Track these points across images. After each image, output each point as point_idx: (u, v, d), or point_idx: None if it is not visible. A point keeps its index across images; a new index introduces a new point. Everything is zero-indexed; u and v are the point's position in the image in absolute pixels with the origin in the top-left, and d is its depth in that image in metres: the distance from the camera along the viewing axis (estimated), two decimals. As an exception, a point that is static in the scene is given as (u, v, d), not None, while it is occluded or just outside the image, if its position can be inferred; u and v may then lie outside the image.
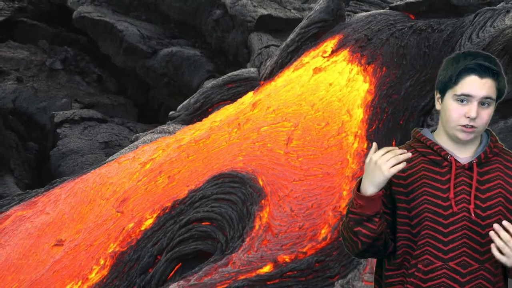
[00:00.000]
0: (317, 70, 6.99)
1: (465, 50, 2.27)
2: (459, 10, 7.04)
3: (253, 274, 4.75)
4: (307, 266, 4.75)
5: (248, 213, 5.34)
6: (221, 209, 5.43)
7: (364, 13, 7.77)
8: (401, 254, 2.28)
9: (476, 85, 2.19)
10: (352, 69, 6.78)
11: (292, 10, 11.99)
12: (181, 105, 8.10)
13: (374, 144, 2.17)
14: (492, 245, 2.09)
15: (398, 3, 7.86)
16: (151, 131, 7.88)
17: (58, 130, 10.49)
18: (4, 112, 10.69)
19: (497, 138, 2.35)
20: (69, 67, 13.56)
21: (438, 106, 2.31)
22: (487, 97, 2.19)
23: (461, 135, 2.22)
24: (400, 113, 6.24)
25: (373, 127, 6.13)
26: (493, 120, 5.79)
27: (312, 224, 5.21)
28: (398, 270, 2.30)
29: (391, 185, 2.27)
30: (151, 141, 7.13)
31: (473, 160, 2.25)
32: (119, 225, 5.70)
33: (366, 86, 6.53)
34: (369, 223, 2.20)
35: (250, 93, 7.41)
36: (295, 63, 7.34)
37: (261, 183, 5.56)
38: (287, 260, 4.87)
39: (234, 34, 12.01)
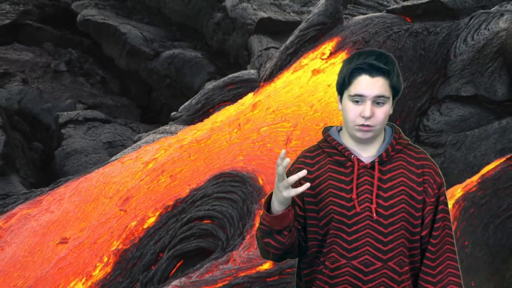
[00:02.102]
0: (315, 71, 6.98)
1: (361, 50, 2.24)
2: (455, 13, 7.04)
3: (253, 271, 4.75)
4: (306, 263, 4.75)
5: (249, 211, 5.33)
6: (222, 207, 5.43)
7: (362, 16, 7.76)
8: (312, 253, 2.27)
9: (367, 85, 2.15)
10: (350, 71, 6.77)
11: (291, 13, 11.99)
12: (182, 106, 8.09)
13: (283, 152, 2.10)
14: None
15: (394, 6, 7.86)
16: (153, 131, 7.88)
17: (63, 131, 10.48)
18: (10, 112, 10.69)
19: (402, 134, 2.31)
20: (73, 69, 13.55)
21: (339, 107, 2.28)
22: (379, 96, 2.16)
23: (359, 134, 2.19)
24: (396, 114, 6.24)
25: (371, 128, 6.11)
26: (487, 121, 5.79)
27: (311, 222, 5.20)
28: (310, 267, 2.30)
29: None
30: (153, 141, 7.13)
31: (375, 160, 2.21)
32: (122, 223, 5.70)
33: (363, 87, 6.52)
34: (278, 236, 2.18)
35: (250, 94, 7.41)
36: (294, 65, 7.34)
37: (261, 182, 5.55)
38: (286, 257, 4.86)
39: (234, 37, 12.01)
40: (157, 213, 5.65)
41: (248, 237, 5.10)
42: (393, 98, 2.23)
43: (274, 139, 6.13)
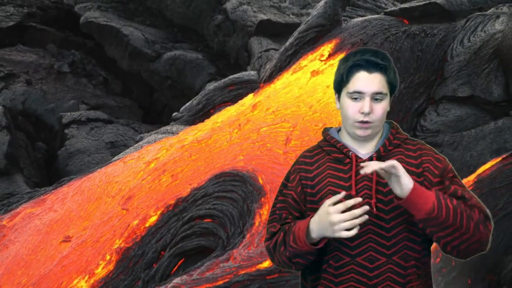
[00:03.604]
0: (314, 73, 6.98)
1: (356, 49, 2.23)
2: (451, 15, 7.04)
3: (253, 269, 4.74)
4: (305, 261, 4.74)
5: (249, 210, 5.33)
6: (222, 206, 5.43)
7: (360, 18, 7.76)
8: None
9: (366, 81, 2.14)
10: (348, 72, 6.77)
11: (291, 15, 11.99)
12: (184, 106, 8.09)
13: (341, 194, 2.06)
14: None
15: (392, 8, 7.86)
16: (155, 131, 7.88)
17: (66, 131, 10.49)
18: (14, 113, 10.68)
19: (399, 129, 2.28)
20: (76, 70, 13.55)
21: (337, 105, 2.26)
22: (378, 92, 2.14)
23: (359, 132, 2.18)
24: (394, 114, 6.23)
25: (369, 128, 6.11)
26: (484, 121, 5.79)
27: (310, 221, 5.20)
28: (314, 267, 2.25)
29: (302, 187, 2.22)
30: (155, 141, 7.13)
31: (372, 155, 2.19)
32: (125, 222, 5.70)
33: (361, 88, 6.52)
34: (309, 256, 2.16)
35: (250, 95, 7.41)
36: (294, 66, 7.34)
37: (261, 181, 5.55)
38: (286, 255, 4.86)
39: (235, 38, 12.01)
40: (159, 212, 5.65)
41: (248, 235, 5.10)
42: (390, 95, 2.22)
43: (274, 139, 6.13)
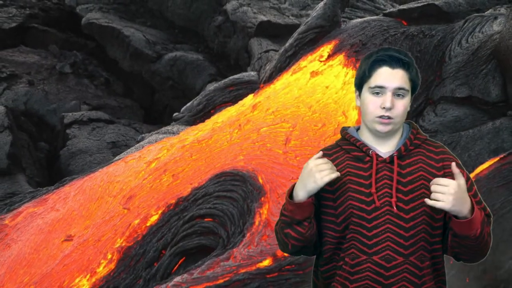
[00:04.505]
0: (314, 73, 6.98)
1: (380, 47, 2.23)
2: (449, 17, 7.04)
3: (253, 267, 4.74)
4: (304, 260, 4.74)
5: (249, 209, 5.33)
6: (222, 206, 5.43)
7: (359, 20, 7.76)
8: (329, 249, 2.21)
9: (388, 76, 2.12)
10: (347, 73, 6.78)
11: (291, 17, 11.98)
12: (184, 107, 8.09)
13: (320, 153, 2.09)
14: (426, 199, 2.01)
15: (391, 9, 7.86)
16: (156, 131, 7.88)
17: (68, 131, 10.48)
18: (16, 113, 10.67)
19: (419, 130, 2.27)
20: (78, 70, 13.55)
21: (358, 102, 2.24)
22: (400, 88, 2.13)
23: (379, 127, 2.15)
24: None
25: (368, 128, 6.11)
26: (481, 122, 5.79)
27: (310, 220, 5.19)
28: (329, 264, 2.23)
29: None
30: (156, 141, 7.13)
31: (393, 154, 2.16)
32: (126, 221, 5.70)
33: (360, 89, 6.52)
34: (299, 227, 2.13)
35: (251, 96, 7.41)
36: (293, 67, 7.34)
37: (261, 181, 5.55)
38: (285, 254, 4.86)
39: (235, 40, 12.01)
40: (160, 211, 5.65)
41: (248, 234, 5.10)
42: (412, 93, 2.19)
43: (274, 139, 6.13)
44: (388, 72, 2.13)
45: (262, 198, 5.39)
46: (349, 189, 2.15)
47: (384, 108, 2.12)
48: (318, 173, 2.04)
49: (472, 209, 2.03)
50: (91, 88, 13.27)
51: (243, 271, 4.71)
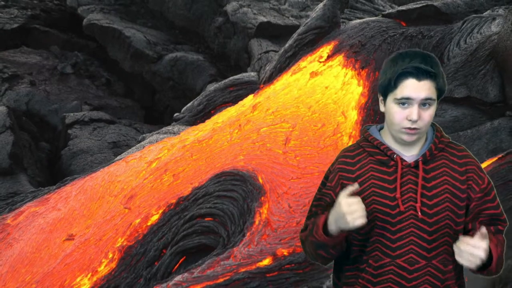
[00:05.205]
0: (313, 74, 6.98)
1: (404, 50, 2.20)
2: (448, 18, 7.04)
3: (253, 267, 4.74)
4: (304, 259, 4.75)
5: (249, 209, 5.33)
6: (223, 205, 5.43)
7: (358, 21, 7.76)
8: (355, 251, 2.22)
9: (415, 88, 2.08)
10: (346, 73, 6.78)
11: (290, 18, 11.99)
12: (185, 107, 8.09)
13: (351, 188, 2.05)
14: (457, 257, 2.02)
15: (390, 11, 7.86)
16: (157, 131, 7.87)
17: (69, 131, 10.48)
18: (18, 114, 10.67)
19: (443, 132, 2.25)
20: (79, 71, 13.55)
21: (382, 108, 2.21)
22: (427, 99, 2.09)
23: (405, 137, 2.14)
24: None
25: (367, 128, 6.10)
26: (480, 122, 5.79)
27: (309, 219, 5.19)
28: (352, 265, 2.24)
29: (342, 186, 2.18)
30: (156, 141, 7.12)
31: (418, 159, 2.16)
32: (127, 220, 5.70)
33: (360, 89, 6.53)
34: (331, 250, 2.16)
35: (251, 96, 7.41)
36: (293, 68, 7.34)
37: (260, 181, 5.55)
38: (285, 253, 4.86)
39: (235, 40, 12.01)
40: (160, 211, 5.65)
41: (248, 234, 5.10)
42: (438, 99, 2.16)
43: (274, 139, 6.13)
44: (414, 84, 2.08)
45: (262, 198, 5.39)
46: (373, 193, 2.14)
47: (410, 120, 2.10)
48: (350, 215, 2.02)
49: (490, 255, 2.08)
50: (92, 88, 13.27)
51: (243, 270, 4.71)
